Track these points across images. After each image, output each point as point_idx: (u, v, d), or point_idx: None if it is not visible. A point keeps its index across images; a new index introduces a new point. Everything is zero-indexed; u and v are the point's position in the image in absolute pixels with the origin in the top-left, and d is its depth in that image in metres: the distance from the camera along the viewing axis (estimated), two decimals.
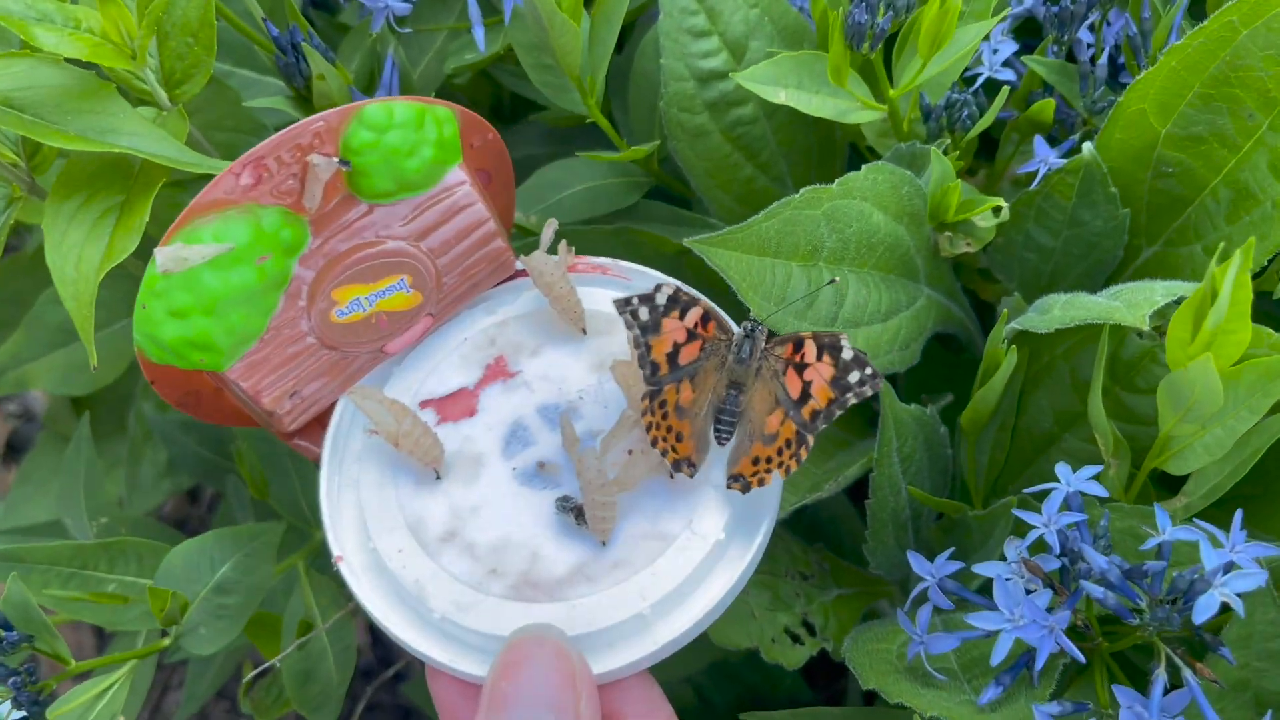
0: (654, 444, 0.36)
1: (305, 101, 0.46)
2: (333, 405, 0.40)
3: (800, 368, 0.36)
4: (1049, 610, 0.35)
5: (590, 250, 0.42)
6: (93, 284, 0.39)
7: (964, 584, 0.41)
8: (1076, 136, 0.47)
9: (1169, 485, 0.44)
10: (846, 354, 0.36)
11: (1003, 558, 0.39)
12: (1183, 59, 0.41)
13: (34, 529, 0.66)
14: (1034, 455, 0.47)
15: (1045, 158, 0.45)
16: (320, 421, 0.40)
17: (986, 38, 0.46)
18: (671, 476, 0.37)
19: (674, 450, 0.36)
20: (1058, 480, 0.38)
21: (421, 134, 0.38)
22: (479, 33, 0.45)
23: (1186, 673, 0.34)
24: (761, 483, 0.37)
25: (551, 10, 0.39)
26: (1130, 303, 0.38)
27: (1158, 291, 0.38)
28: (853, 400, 0.36)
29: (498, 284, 0.42)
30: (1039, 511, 0.38)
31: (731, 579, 0.36)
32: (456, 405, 0.39)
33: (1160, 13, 0.45)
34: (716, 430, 0.37)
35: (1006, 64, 0.47)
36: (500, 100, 0.67)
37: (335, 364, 0.40)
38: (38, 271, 0.65)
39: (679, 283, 0.37)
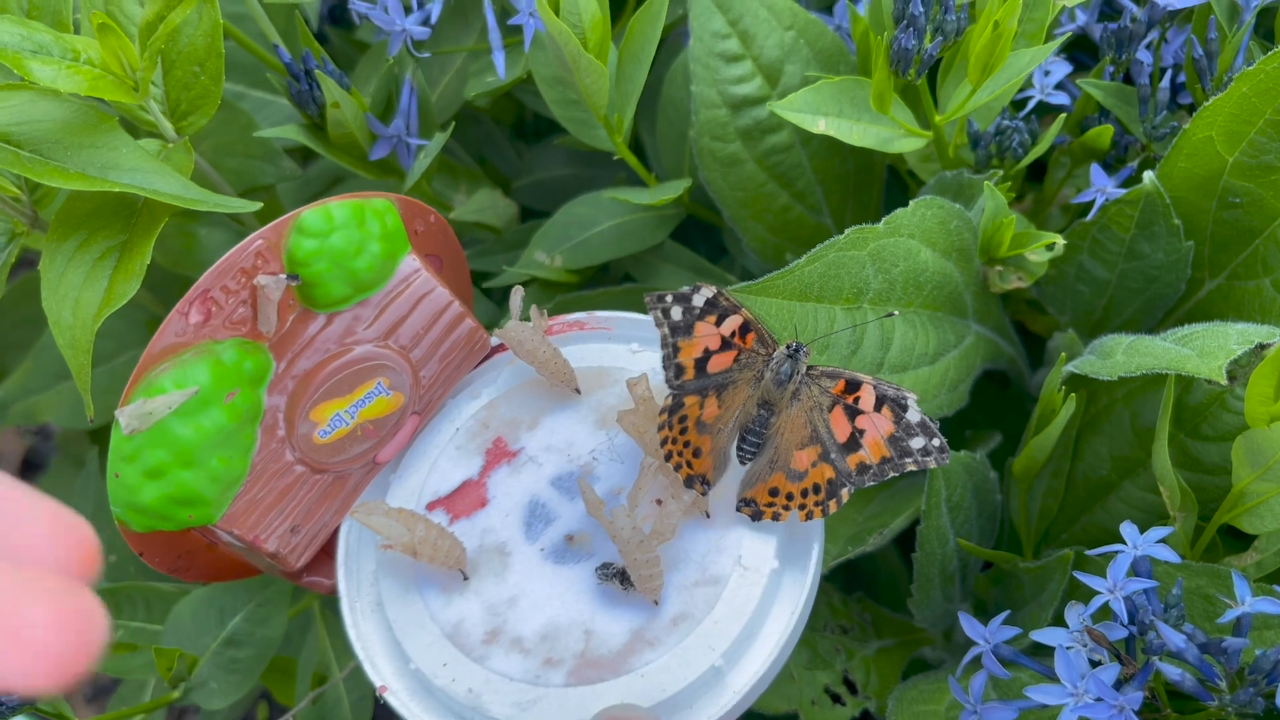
0: (667, 458, 0.35)
1: (319, 130, 0.44)
2: (336, 531, 0.38)
3: (853, 411, 0.34)
4: (1117, 687, 0.32)
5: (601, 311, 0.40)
6: (90, 330, 0.37)
7: (1021, 633, 0.39)
8: (1135, 164, 0.45)
9: (1237, 535, 0.41)
10: (913, 415, 0.33)
11: (1060, 619, 0.36)
12: (1254, 85, 0.38)
13: None
14: (1090, 503, 0.44)
15: (1102, 187, 0.42)
16: (326, 551, 0.38)
17: None
18: (704, 501, 0.35)
19: (688, 466, 0.35)
20: (1115, 530, 0.35)
21: (365, 230, 0.36)
22: (499, 59, 0.43)
23: None
24: (776, 517, 0.34)
25: (577, 52, 0.36)
26: (1203, 351, 0.35)
27: (1232, 338, 0.35)
28: (911, 467, 0.33)
29: (476, 366, 0.40)
30: (1099, 573, 0.35)
31: (796, 606, 0.34)
32: (466, 499, 0.37)
33: (1227, 34, 0.42)
34: (740, 450, 0.35)
35: (1059, 86, 0.44)
36: (523, 118, 0.65)
37: (330, 487, 0.37)
38: None
39: (719, 287, 0.35)
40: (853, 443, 0.34)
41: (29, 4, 0.43)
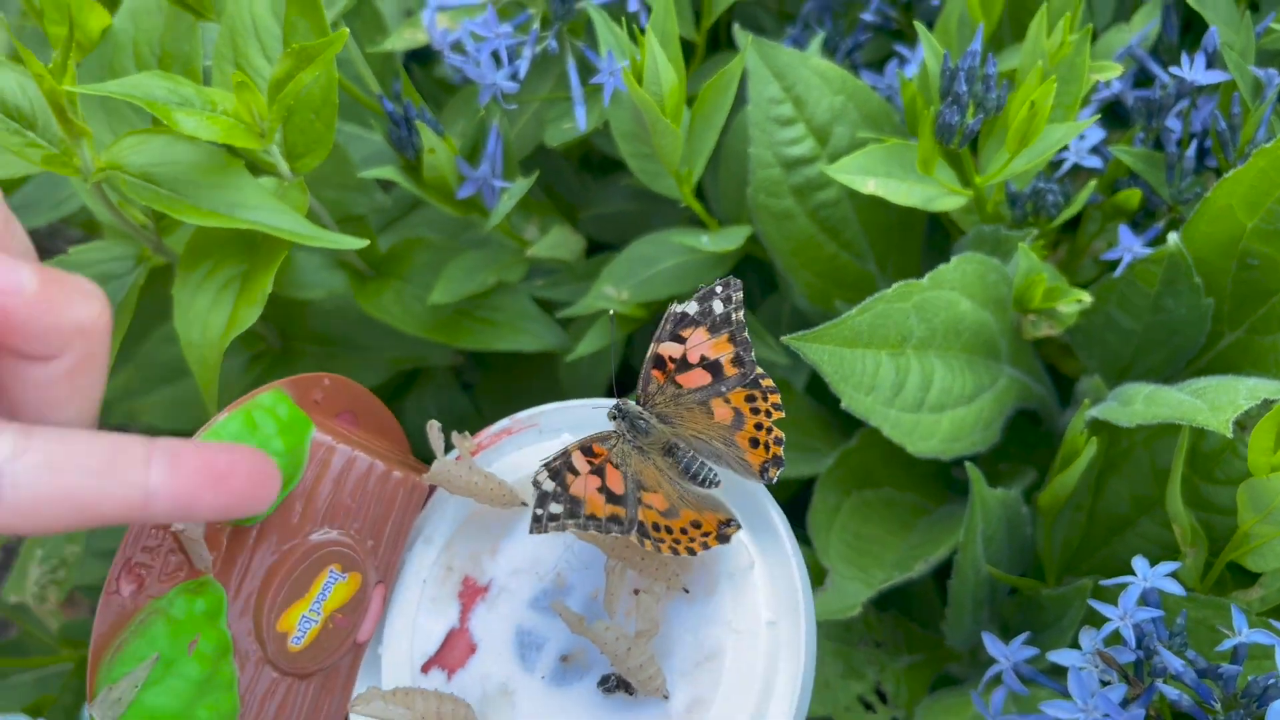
0: (690, 554, 0.34)
1: (415, 171, 0.48)
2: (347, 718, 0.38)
3: (683, 367, 0.35)
4: (1123, 705, 0.36)
5: None
6: (217, 350, 0.42)
7: (1039, 654, 0.42)
8: (1161, 225, 0.48)
9: (1246, 572, 0.45)
10: (688, 307, 0.35)
11: (1076, 644, 0.40)
12: (1271, 160, 0.42)
13: None
14: (1110, 537, 0.47)
15: (1130, 246, 0.46)
16: None
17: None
18: (678, 580, 0.36)
19: (705, 539, 0.35)
20: (1132, 565, 0.39)
21: (260, 434, 0.35)
22: (580, 113, 0.47)
23: None
24: (779, 441, 0.35)
25: (655, 116, 0.41)
26: (1214, 404, 0.38)
27: (1241, 393, 0.39)
28: (739, 314, 0.35)
29: (420, 510, 0.39)
30: (1113, 602, 0.38)
31: (800, 649, 0.35)
32: (455, 650, 0.37)
33: (1250, 108, 0.45)
34: (703, 484, 0.35)
35: (1094, 150, 0.48)
36: (590, 153, 0.69)
37: (324, 685, 0.37)
38: (151, 303, 0.68)
39: (550, 453, 0.35)
40: (713, 366, 0.35)
41: (162, 51, 0.48)
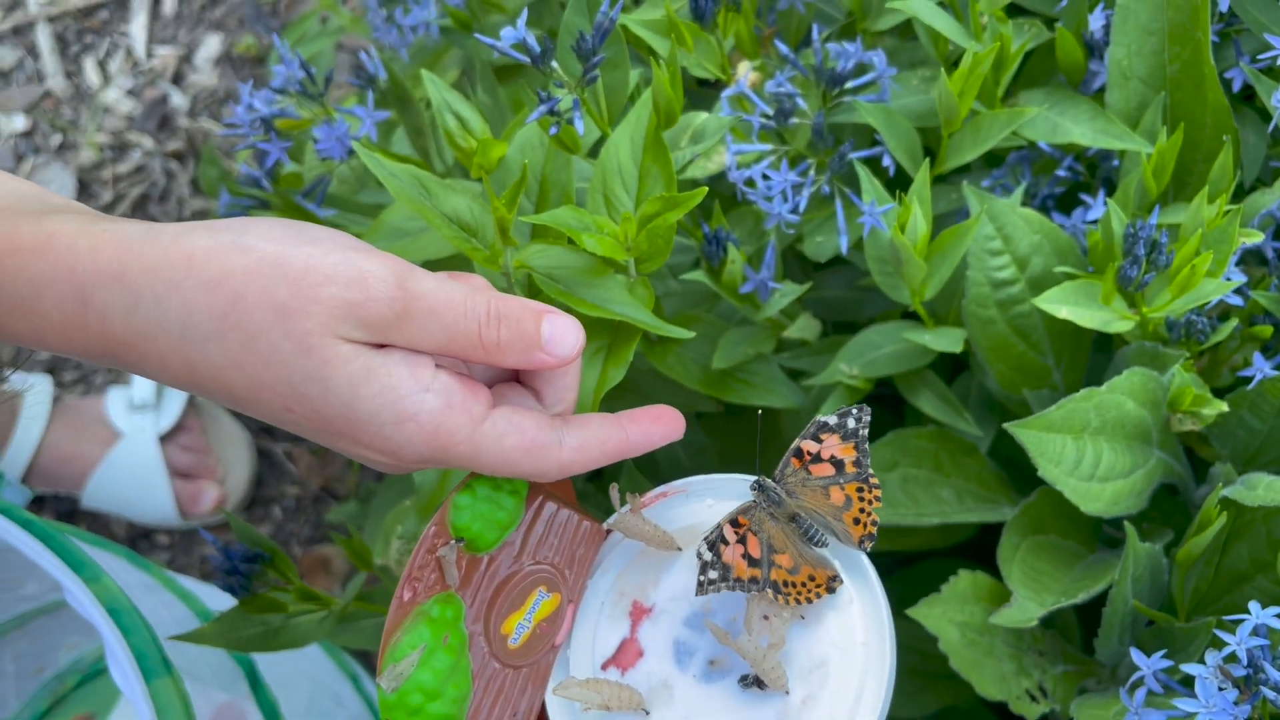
0: (809, 603, 0.46)
1: (716, 274, 0.66)
2: (543, 704, 0.49)
3: (816, 460, 0.48)
4: (1235, 703, 0.50)
5: None
6: (595, 398, 0.59)
7: (1172, 666, 0.57)
8: None
9: None
10: (830, 419, 0.49)
11: (1203, 662, 0.54)
12: None
13: None
14: (1231, 588, 0.61)
15: (1262, 368, 0.60)
16: (541, 718, 0.49)
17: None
18: (798, 609, 0.48)
19: (818, 590, 0.46)
20: (1249, 612, 0.53)
21: (499, 490, 0.49)
22: (844, 241, 0.64)
23: None
24: (875, 524, 0.48)
25: (909, 255, 0.57)
26: None
27: None
28: (865, 431, 0.49)
29: (598, 550, 0.52)
30: (1233, 633, 0.53)
31: (885, 665, 0.46)
32: (628, 654, 0.48)
33: None
34: (816, 544, 0.48)
35: (1237, 291, 0.62)
36: None
37: (530, 675, 0.49)
38: None
39: (695, 512, 0.50)
40: (838, 464, 0.49)
41: (543, 177, 0.67)
